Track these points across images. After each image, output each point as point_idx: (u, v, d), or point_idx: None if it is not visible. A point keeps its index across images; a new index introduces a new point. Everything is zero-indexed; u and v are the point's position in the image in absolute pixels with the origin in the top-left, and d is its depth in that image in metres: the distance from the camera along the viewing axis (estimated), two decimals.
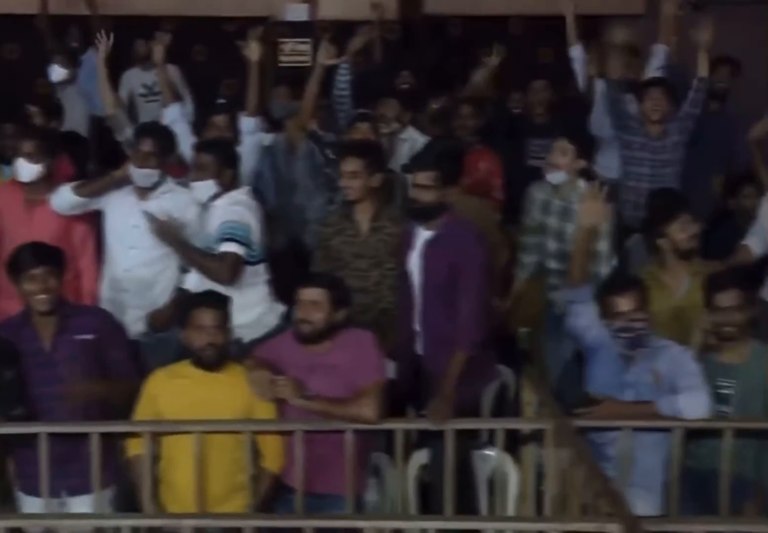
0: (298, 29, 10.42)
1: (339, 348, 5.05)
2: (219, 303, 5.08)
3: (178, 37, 10.44)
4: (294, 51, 10.36)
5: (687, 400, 4.98)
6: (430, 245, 5.33)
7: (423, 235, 5.36)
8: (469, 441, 5.24)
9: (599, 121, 7.77)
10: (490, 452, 5.32)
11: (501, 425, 5.07)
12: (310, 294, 5.01)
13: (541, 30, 10.56)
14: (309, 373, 5.02)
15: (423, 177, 5.28)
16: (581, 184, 6.15)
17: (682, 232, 5.75)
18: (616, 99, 7.32)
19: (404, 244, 5.47)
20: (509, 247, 6.51)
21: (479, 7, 10.95)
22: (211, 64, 10.61)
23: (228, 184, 5.88)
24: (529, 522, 4.39)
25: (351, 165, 5.82)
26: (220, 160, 5.85)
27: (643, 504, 5.03)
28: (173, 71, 9.28)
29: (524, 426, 5.14)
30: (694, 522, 4.28)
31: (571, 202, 6.13)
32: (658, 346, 5.18)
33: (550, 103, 8.03)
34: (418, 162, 5.37)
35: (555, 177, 6.15)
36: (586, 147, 6.26)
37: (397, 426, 5.02)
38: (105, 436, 4.92)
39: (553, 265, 6.23)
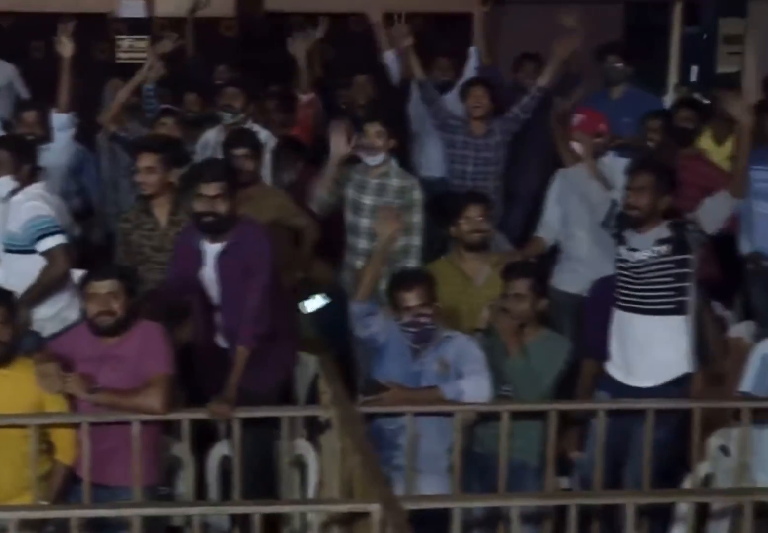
0: (135, 26, 10.40)
1: (128, 340, 5.07)
2: (2, 298, 5.08)
3: (15, 34, 10.45)
4: (132, 48, 10.33)
5: (469, 385, 5.12)
6: (222, 257, 5.30)
7: (212, 248, 5.31)
8: (272, 430, 5.30)
9: (419, 121, 7.93)
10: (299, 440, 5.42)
11: (283, 413, 5.14)
12: (104, 286, 5.02)
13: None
14: (99, 365, 5.05)
15: (211, 188, 5.22)
16: (393, 163, 6.38)
17: (468, 225, 5.92)
18: (431, 100, 7.44)
19: (182, 255, 5.42)
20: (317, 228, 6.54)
21: (320, 4, 11.01)
22: (49, 62, 10.50)
23: (26, 180, 5.89)
24: (292, 505, 4.45)
25: (146, 160, 5.89)
26: (16, 156, 5.86)
27: (431, 487, 5.17)
28: (10, 69, 9.23)
29: (306, 413, 5.21)
30: (450, 500, 4.39)
31: (389, 178, 6.30)
32: (445, 336, 5.32)
33: (371, 98, 8.13)
34: (204, 174, 5.29)
35: (374, 159, 6.30)
36: (395, 127, 6.45)
37: (183, 416, 5.06)
38: None
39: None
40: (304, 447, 5.51)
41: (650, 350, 5.30)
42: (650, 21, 11.57)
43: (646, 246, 5.30)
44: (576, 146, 6.42)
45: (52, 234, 5.74)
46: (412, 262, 6.24)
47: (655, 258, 5.28)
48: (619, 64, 8.00)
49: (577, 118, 6.50)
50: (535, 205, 6.96)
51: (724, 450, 5.50)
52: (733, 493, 4.91)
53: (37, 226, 5.75)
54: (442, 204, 6.49)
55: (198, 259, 5.34)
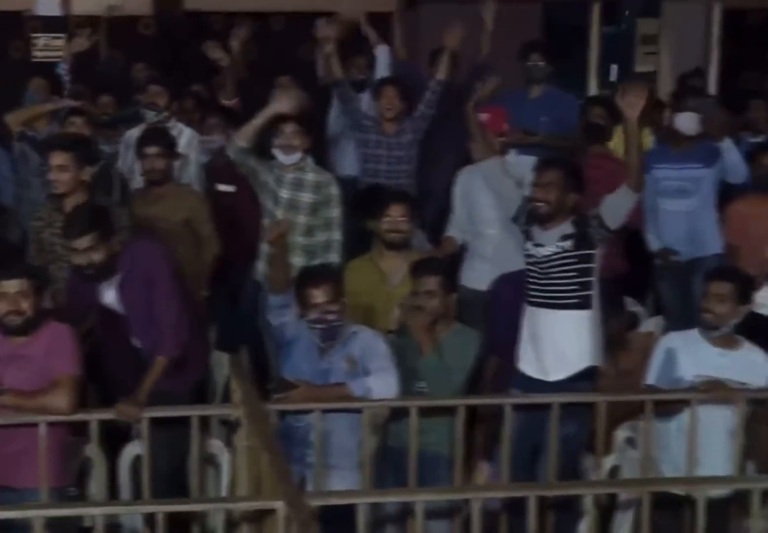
0: (50, 24, 10.32)
1: (36, 339, 5.04)
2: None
3: None
4: (47, 46, 10.25)
5: (376, 382, 5.15)
6: (121, 291, 5.33)
7: (107, 286, 5.32)
8: (188, 430, 5.29)
9: (335, 120, 7.96)
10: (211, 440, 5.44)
11: (192, 412, 5.14)
12: (13, 285, 4.98)
13: (302, 27, 10.67)
14: (7, 365, 5.02)
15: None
16: (309, 160, 6.50)
17: (389, 224, 5.95)
18: (348, 100, 7.48)
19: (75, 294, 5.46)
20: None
21: (240, 3, 11.02)
22: None
23: None
24: (197, 503, 4.45)
25: (58, 159, 5.87)
26: None
27: (343, 484, 5.19)
28: None
29: (215, 412, 5.21)
30: (355, 495, 4.42)
31: (304, 173, 6.38)
32: (351, 332, 5.33)
33: None
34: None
35: (290, 158, 6.39)
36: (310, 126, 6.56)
37: (92, 416, 5.04)
38: None
39: None
40: (216, 446, 5.53)
41: (556, 343, 5.37)
42: (568, 20, 11.64)
43: (551, 242, 5.36)
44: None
45: None
46: (333, 257, 6.31)
47: (559, 253, 5.34)
48: (541, 63, 8.08)
49: (482, 117, 6.55)
50: (449, 202, 7.02)
51: (630, 442, 5.59)
52: (631, 485, 4.98)
53: None
54: (363, 198, 6.50)
55: (95, 295, 5.39)
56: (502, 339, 5.57)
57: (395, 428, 5.37)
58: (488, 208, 6.48)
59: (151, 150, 6.37)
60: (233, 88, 7.87)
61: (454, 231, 6.63)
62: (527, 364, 5.50)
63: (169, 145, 6.50)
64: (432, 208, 7.52)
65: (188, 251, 6.29)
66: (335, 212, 6.37)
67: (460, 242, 6.62)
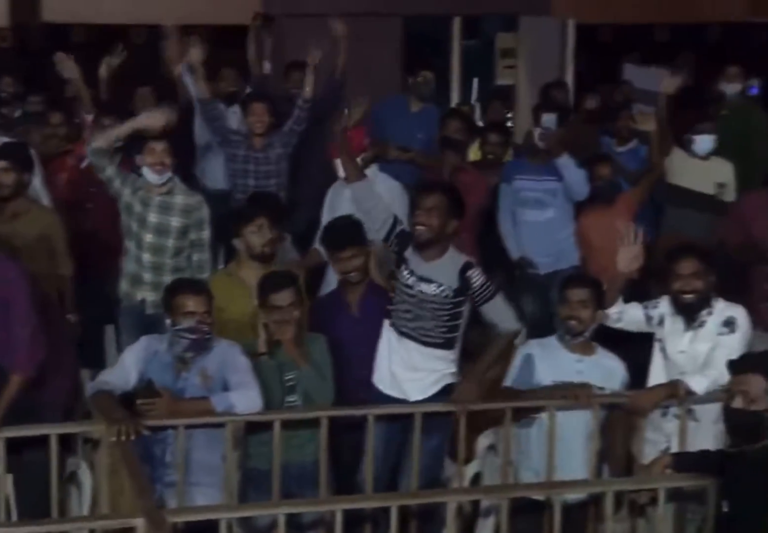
0: None
1: None
2: None
3: None
4: None
5: (238, 397, 5.09)
6: None
7: None
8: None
9: (201, 135, 7.92)
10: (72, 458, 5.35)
11: (51, 430, 5.04)
12: None
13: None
14: None
15: None
16: (177, 180, 6.41)
17: (255, 235, 5.89)
18: (214, 118, 7.45)
19: None
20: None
21: (99, 15, 10.92)
22: None
23: None
24: (56, 523, 4.38)
25: None
26: None
27: (207, 500, 5.14)
28: None
29: (71, 430, 5.13)
30: (215, 511, 4.41)
31: (173, 196, 6.32)
32: (212, 347, 5.23)
33: None
34: None
35: (160, 178, 6.32)
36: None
37: None
38: None
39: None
40: (76, 464, 5.45)
41: (416, 371, 5.41)
42: (430, 34, 11.74)
43: (432, 278, 5.34)
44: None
45: None
46: (205, 277, 6.23)
47: (438, 296, 5.33)
48: (432, 82, 8.20)
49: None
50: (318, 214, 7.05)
51: (492, 449, 5.67)
52: (492, 491, 5.05)
53: None
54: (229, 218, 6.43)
55: None
56: None
57: (256, 450, 5.33)
58: None
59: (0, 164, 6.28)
60: (90, 102, 7.77)
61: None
62: (384, 383, 5.52)
63: (17, 160, 6.35)
64: (301, 220, 7.55)
65: (44, 269, 6.20)
66: (205, 234, 6.36)
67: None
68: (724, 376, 5.19)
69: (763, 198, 6.54)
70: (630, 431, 5.47)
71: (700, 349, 5.40)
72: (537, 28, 11.43)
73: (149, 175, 6.31)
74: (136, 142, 6.41)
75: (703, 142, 7.42)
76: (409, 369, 5.42)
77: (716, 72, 10.33)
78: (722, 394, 5.24)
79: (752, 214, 6.44)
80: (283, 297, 5.36)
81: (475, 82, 12.48)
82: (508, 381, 5.39)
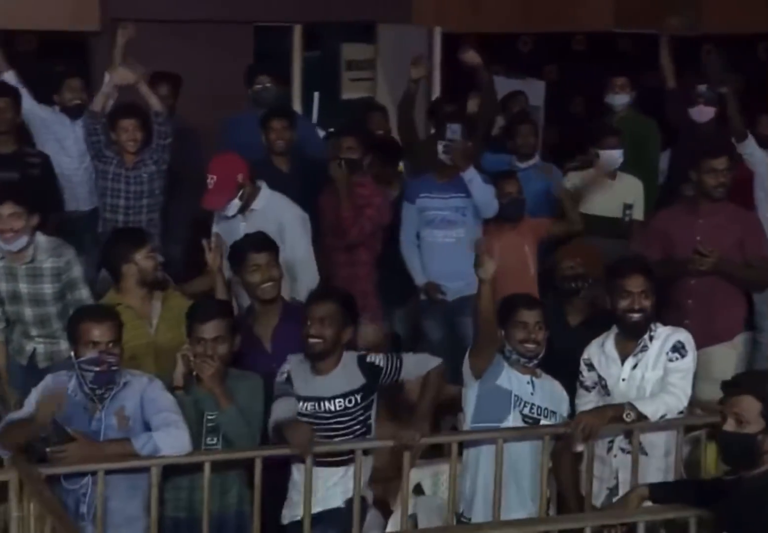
0: None
1: None
2: None
3: None
4: None
5: (164, 438, 4.85)
6: None
7: None
8: None
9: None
10: None
11: None
12: None
13: (54, 46, 10.23)
14: None
15: None
16: (39, 239, 6.11)
17: (146, 260, 5.72)
18: (94, 132, 7.23)
19: None
20: None
21: None
22: None
23: None
24: None
25: None
26: None
27: None
28: None
29: None
30: None
31: (40, 261, 6.06)
32: (123, 382, 5.00)
33: None
34: None
35: (16, 245, 6.01)
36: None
37: None
38: None
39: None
40: None
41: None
42: (274, 45, 11.59)
43: (334, 394, 5.20)
44: None
45: None
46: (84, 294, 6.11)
47: (347, 409, 5.21)
48: (269, 85, 8.00)
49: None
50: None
51: (418, 489, 5.63)
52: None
53: None
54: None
55: None
56: None
57: (176, 496, 5.13)
58: None
59: None
60: None
61: None
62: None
63: None
64: (177, 245, 7.33)
65: None
66: (76, 272, 6.11)
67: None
68: (681, 402, 5.22)
69: (683, 213, 6.60)
70: (574, 465, 5.43)
71: (648, 376, 5.38)
72: (398, 37, 11.41)
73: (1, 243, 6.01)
74: None
75: (611, 157, 7.44)
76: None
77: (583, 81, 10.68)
78: (677, 421, 5.27)
79: (674, 230, 6.49)
80: (208, 329, 5.17)
81: (316, 96, 12.38)
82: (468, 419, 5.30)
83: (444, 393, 5.46)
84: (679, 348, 5.36)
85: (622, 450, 5.39)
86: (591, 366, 5.49)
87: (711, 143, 6.87)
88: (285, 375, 5.25)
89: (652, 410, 5.23)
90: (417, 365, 5.31)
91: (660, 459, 5.38)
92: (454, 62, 10.91)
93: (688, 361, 5.35)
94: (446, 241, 6.97)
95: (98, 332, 4.93)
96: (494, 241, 6.74)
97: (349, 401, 5.19)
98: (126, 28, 7.63)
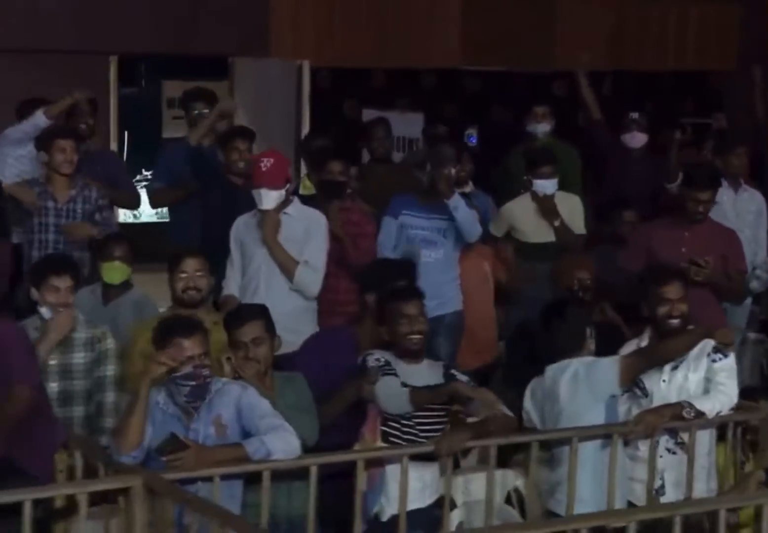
0: None
1: None
2: None
3: None
4: None
5: (274, 442, 5.16)
6: None
7: None
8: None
9: None
10: None
11: (81, 489, 4.92)
12: None
13: None
14: None
15: None
16: None
17: (185, 281, 6.15)
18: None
19: None
20: None
21: None
22: None
23: None
24: None
25: None
26: None
27: None
28: None
29: (109, 486, 4.97)
30: None
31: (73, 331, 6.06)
32: (214, 390, 5.28)
33: None
34: None
35: None
36: None
37: None
38: None
39: None
40: None
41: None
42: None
43: (422, 383, 5.69)
44: None
45: None
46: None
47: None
48: (206, 111, 8.32)
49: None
50: None
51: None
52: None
53: None
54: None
55: None
56: None
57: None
58: None
59: None
60: None
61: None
62: None
63: None
64: None
65: None
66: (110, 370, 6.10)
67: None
68: (732, 400, 5.84)
69: (667, 227, 7.30)
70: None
71: (691, 378, 5.97)
72: (257, 71, 11.77)
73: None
74: None
75: (546, 187, 7.98)
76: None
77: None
78: (722, 417, 5.89)
79: (658, 243, 7.17)
80: (245, 333, 5.53)
81: (126, 134, 12.55)
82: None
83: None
84: (720, 349, 5.98)
85: (668, 450, 5.96)
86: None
87: (699, 174, 7.48)
88: (382, 360, 5.65)
89: (709, 407, 5.84)
90: (489, 402, 5.69)
91: (704, 457, 5.96)
92: (319, 96, 11.48)
93: (731, 360, 5.99)
94: (425, 261, 7.32)
95: (189, 345, 5.19)
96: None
97: None
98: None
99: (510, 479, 6.01)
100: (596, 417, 5.76)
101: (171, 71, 12.21)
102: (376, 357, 5.66)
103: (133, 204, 8.60)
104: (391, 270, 6.34)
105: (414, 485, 5.55)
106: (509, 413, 5.69)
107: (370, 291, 6.06)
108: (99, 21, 10.71)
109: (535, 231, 8.01)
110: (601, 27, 12.10)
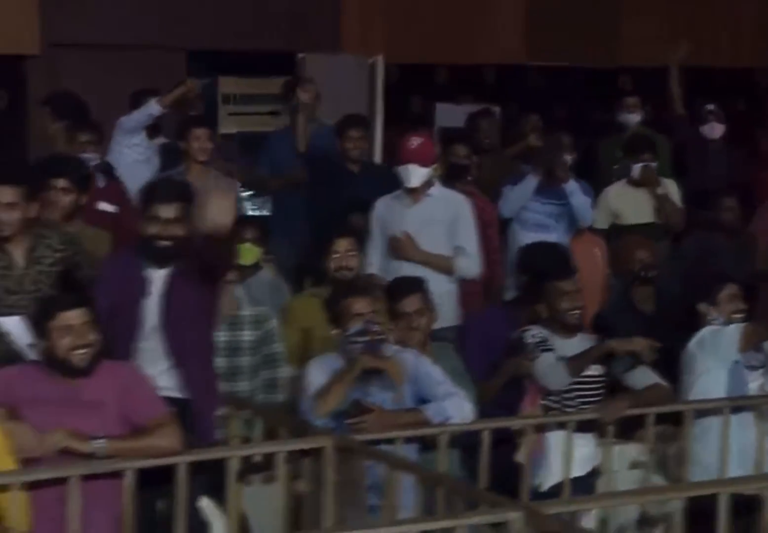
0: None
1: (99, 380, 4.94)
2: None
3: None
4: None
5: (453, 406, 5.50)
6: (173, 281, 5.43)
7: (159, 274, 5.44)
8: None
9: None
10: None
11: (280, 448, 5.25)
12: (78, 315, 4.88)
13: None
14: (61, 412, 4.88)
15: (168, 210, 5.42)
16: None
17: (336, 261, 6.48)
18: None
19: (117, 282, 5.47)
20: None
21: None
22: None
23: None
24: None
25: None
26: None
27: None
28: None
29: (303, 445, 5.30)
30: None
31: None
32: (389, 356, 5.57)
33: None
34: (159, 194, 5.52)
35: None
36: None
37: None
38: None
39: None
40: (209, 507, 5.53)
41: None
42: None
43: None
44: None
45: None
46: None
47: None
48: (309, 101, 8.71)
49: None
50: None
51: None
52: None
53: None
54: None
55: (140, 287, 5.36)
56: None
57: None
58: None
59: None
60: None
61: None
62: None
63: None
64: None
65: None
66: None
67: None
68: None
69: None
70: None
71: None
72: (328, 67, 12.08)
73: None
74: None
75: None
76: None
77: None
78: None
79: None
80: (409, 304, 5.89)
81: None
82: None
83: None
84: None
85: None
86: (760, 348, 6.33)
87: None
88: (539, 336, 5.97)
89: None
90: (645, 377, 6.03)
91: None
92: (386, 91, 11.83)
93: None
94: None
95: (360, 304, 5.54)
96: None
97: (594, 369, 5.97)
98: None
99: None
100: (716, 381, 6.11)
101: (227, 67, 12.41)
102: (533, 333, 6.00)
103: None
104: (547, 252, 6.70)
105: (575, 454, 5.87)
106: (665, 383, 6.03)
107: (526, 274, 6.40)
108: (174, 17, 11.11)
109: (635, 212, 8.40)
110: (666, 22, 12.47)
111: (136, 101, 8.76)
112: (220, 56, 11.63)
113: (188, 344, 5.40)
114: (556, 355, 5.91)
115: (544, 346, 5.94)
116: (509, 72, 13.21)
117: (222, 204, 5.22)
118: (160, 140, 8.90)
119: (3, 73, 10.96)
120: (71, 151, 7.52)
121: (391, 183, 7.49)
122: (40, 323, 4.93)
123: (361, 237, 6.87)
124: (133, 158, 8.39)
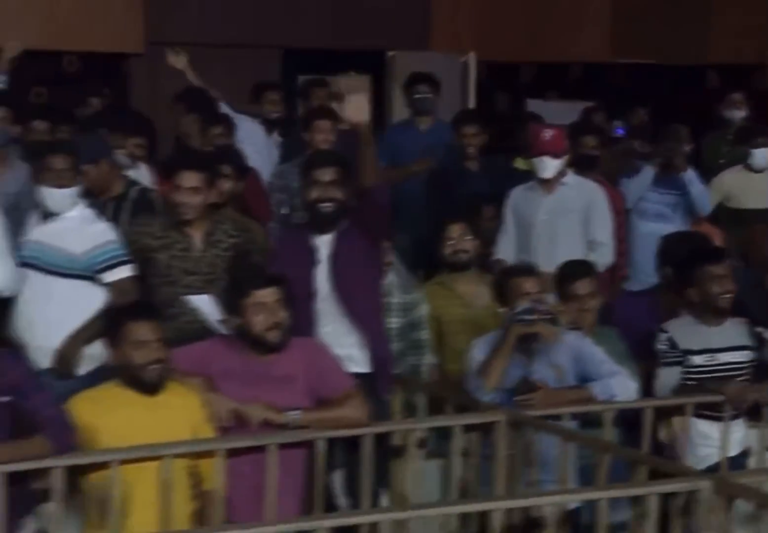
0: None
1: (289, 357, 5.19)
2: (154, 314, 5.05)
3: None
4: None
5: (618, 384, 5.72)
6: (339, 243, 5.72)
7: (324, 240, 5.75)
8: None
9: None
10: None
11: (457, 421, 5.51)
12: (271, 294, 5.14)
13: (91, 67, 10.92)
14: (253, 385, 5.13)
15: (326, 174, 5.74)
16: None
17: (451, 246, 6.69)
18: None
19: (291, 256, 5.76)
20: None
21: None
22: None
23: None
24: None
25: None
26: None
27: None
28: None
29: (478, 420, 5.54)
30: None
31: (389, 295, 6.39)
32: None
33: None
34: (317, 160, 5.87)
35: None
36: None
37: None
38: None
39: None
40: None
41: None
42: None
43: (727, 345, 6.16)
44: None
45: (124, 263, 5.85)
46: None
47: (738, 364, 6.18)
48: (429, 94, 8.90)
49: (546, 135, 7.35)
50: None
51: None
52: None
53: (109, 252, 5.84)
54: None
55: (310, 257, 5.70)
56: None
57: None
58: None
59: None
60: None
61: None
62: None
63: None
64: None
65: None
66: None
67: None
68: None
69: None
70: None
71: None
72: (415, 64, 12.31)
73: None
74: None
75: (764, 156, 8.62)
76: None
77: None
78: None
79: None
80: (582, 287, 6.10)
81: None
82: None
83: None
84: None
85: None
86: None
87: None
88: (666, 343, 6.12)
89: None
90: None
91: None
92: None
93: None
94: (656, 233, 7.54)
95: (527, 284, 5.79)
96: None
97: (741, 355, 6.15)
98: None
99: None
100: None
101: (306, 66, 12.60)
102: (662, 339, 6.13)
103: None
104: (692, 239, 6.94)
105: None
106: None
107: (671, 262, 6.59)
108: (269, 16, 11.39)
109: (751, 197, 8.60)
110: (758, 18, 12.61)
111: (255, 95, 8.98)
112: (312, 54, 11.90)
113: (361, 302, 5.69)
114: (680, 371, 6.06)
115: (666, 359, 6.10)
116: (595, 69, 13.43)
117: (357, 102, 5.57)
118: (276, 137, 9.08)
119: (107, 71, 11.31)
120: (204, 143, 7.76)
121: (511, 178, 7.78)
122: (233, 300, 5.18)
123: (477, 225, 7.01)
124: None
